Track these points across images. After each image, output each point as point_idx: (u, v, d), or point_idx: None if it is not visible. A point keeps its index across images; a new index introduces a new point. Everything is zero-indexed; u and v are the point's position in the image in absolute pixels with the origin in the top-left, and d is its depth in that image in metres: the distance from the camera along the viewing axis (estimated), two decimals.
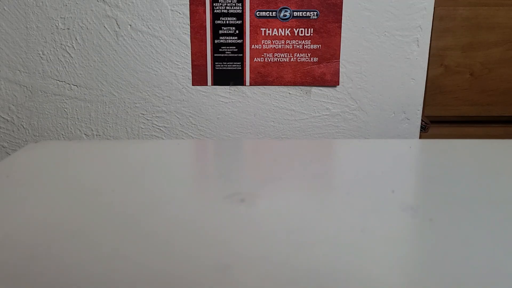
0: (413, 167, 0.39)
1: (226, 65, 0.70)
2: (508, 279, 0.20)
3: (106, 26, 0.68)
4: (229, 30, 0.69)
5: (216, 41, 0.70)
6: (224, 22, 0.69)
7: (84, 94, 0.71)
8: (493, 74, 0.74)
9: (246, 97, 0.72)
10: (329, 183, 0.34)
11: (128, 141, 0.56)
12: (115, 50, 0.69)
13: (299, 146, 0.44)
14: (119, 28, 0.68)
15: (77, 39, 0.69)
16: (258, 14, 0.69)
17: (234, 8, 0.68)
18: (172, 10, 0.68)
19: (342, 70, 0.71)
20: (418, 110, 0.73)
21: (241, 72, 0.71)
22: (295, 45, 0.70)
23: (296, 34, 0.69)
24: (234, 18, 0.69)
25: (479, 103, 0.76)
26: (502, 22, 0.72)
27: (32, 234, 0.24)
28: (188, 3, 0.68)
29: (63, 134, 0.72)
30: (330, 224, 0.26)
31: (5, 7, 0.67)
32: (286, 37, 0.70)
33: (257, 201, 0.29)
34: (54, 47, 0.69)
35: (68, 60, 0.69)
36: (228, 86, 0.71)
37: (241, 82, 0.71)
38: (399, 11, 0.68)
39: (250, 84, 0.71)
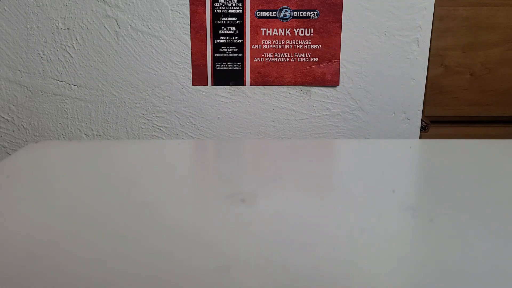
0: (413, 167, 0.39)
1: (226, 65, 0.70)
2: (508, 279, 0.20)
3: (106, 26, 0.68)
4: (229, 30, 0.69)
5: (216, 41, 0.70)
6: (224, 22, 0.69)
7: (85, 94, 0.71)
8: (493, 74, 0.74)
9: (246, 97, 0.72)
10: (329, 183, 0.34)
11: (128, 141, 0.56)
12: (116, 50, 0.69)
13: (299, 146, 0.44)
14: (119, 28, 0.68)
15: (78, 39, 0.69)
16: (258, 14, 0.69)
17: (234, 8, 0.68)
18: (172, 10, 0.68)
19: (342, 70, 0.71)
20: (418, 110, 0.73)
21: (241, 72, 0.71)
22: (295, 45, 0.70)
23: (296, 34, 0.69)
24: (234, 18, 0.69)
25: (479, 103, 0.76)
26: (502, 22, 0.72)
27: (32, 234, 0.24)
28: (188, 3, 0.68)
29: (63, 134, 0.72)
30: (330, 224, 0.26)
31: (5, 7, 0.67)
32: (286, 37, 0.70)
33: (257, 201, 0.29)
34: (54, 47, 0.69)
35: (68, 60, 0.69)
36: (228, 86, 0.71)
37: (241, 82, 0.71)
38: (399, 11, 0.68)
39: (250, 84, 0.71)
